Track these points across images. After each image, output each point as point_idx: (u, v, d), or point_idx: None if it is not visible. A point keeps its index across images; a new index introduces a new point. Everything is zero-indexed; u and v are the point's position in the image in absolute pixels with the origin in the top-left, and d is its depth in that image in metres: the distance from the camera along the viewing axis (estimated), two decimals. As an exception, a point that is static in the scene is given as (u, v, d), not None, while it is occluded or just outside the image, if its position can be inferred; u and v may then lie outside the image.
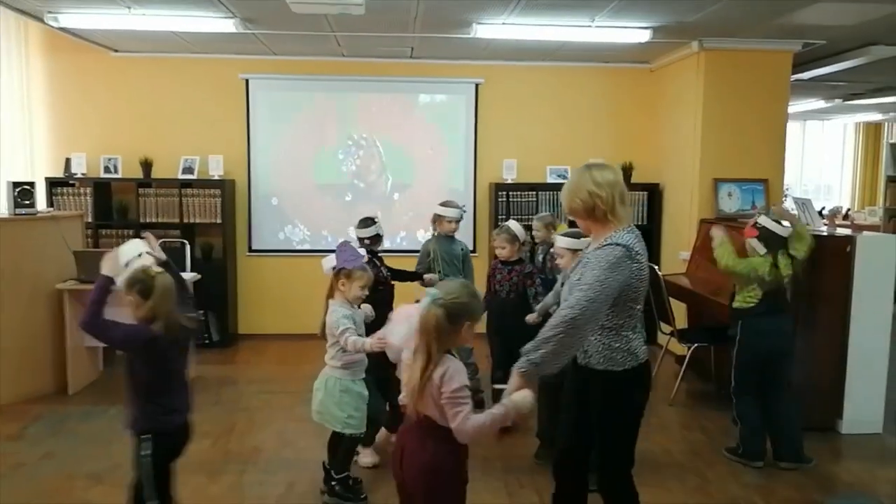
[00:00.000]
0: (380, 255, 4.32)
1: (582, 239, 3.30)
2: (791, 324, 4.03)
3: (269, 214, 6.62)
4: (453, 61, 6.55)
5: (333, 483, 3.41)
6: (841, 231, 4.74)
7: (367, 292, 3.44)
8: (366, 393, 3.42)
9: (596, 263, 2.40)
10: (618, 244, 2.41)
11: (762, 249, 3.86)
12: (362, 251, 3.65)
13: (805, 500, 3.54)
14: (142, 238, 3.02)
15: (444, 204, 4.76)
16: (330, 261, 3.42)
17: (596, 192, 2.48)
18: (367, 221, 4.28)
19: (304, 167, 6.60)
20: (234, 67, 6.42)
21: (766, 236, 3.88)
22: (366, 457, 3.83)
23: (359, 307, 3.46)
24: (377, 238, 4.26)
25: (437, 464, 2.21)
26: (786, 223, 3.92)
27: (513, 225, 4.47)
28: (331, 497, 3.42)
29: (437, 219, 4.74)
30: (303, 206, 6.63)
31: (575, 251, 3.41)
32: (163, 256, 2.94)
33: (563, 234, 3.62)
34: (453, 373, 2.15)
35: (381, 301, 3.83)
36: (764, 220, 3.91)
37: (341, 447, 3.40)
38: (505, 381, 2.31)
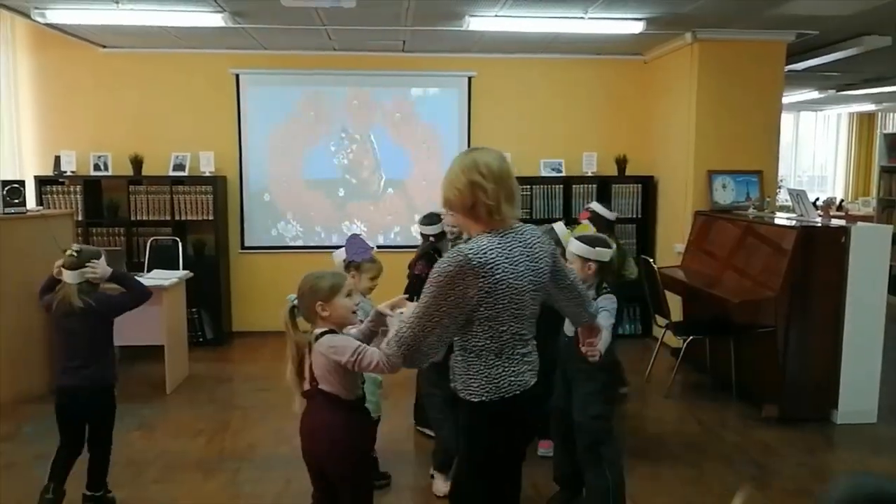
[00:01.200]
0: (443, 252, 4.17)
1: (598, 249, 3.03)
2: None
3: (261, 211, 6.58)
4: (446, 54, 6.51)
5: None
6: (835, 222, 4.74)
7: (376, 283, 3.41)
8: (380, 378, 3.35)
9: (431, 279, 1.98)
10: (460, 252, 1.97)
11: (593, 228, 4.10)
12: (370, 243, 3.61)
13: (800, 490, 3.54)
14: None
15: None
16: (341, 254, 3.42)
17: (480, 182, 2.04)
18: (433, 217, 4.19)
19: (296, 163, 6.56)
20: (224, 62, 6.37)
21: (595, 219, 4.34)
22: (442, 485, 3.45)
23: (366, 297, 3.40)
24: (443, 235, 4.17)
25: (341, 434, 2.34)
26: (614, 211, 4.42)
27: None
28: None
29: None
30: (295, 202, 6.59)
31: (586, 260, 3.04)
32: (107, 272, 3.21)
33: (577, 237, 3.14)
34: (339, 343, 2.29)
35: None
36: (595, 206, 4.56)
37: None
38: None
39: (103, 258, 3.21)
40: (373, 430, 3.28)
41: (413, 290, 3.81)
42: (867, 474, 1.31)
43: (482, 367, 2.04)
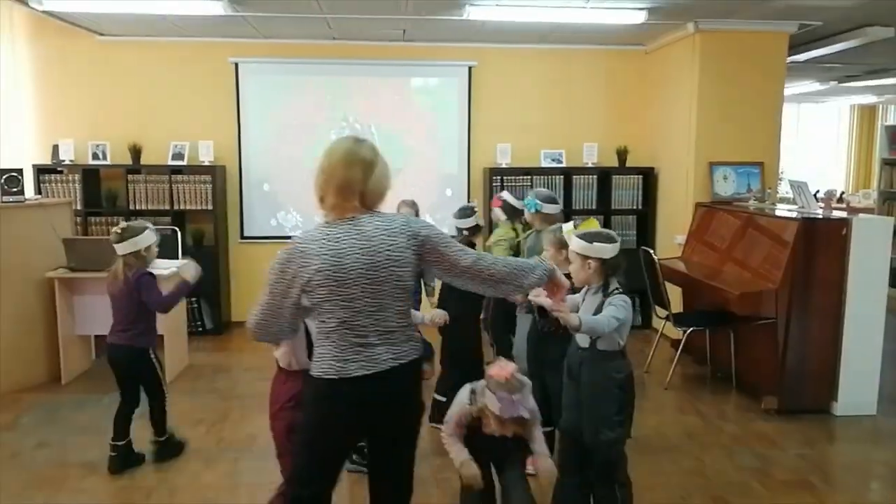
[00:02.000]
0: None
1: (596, 244, 2.77)
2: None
3: (260, 200, 6.56)
4: (446, 44, 6.48)
5: (353, 454, 3.54)
6: (837, 214, 4.72)
7: None
8: None
9: (271, 263, 2.13)
10: (294, 239, 2.13)
11: (503, 216, 4.48)
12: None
13: (800, 482, 3.55)
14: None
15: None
16: None
17: (317, 172, 2.17)
18: (467, 211, 4.22)
19: (295, 152, 6.52)
20: (224, 51, 6.33)
21: (505, 208, 4.53)
22: None
23: None
24: (477, 229, 4.24)
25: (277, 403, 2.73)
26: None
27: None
28: (350, 463, 3.51)
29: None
30: (295, 191, 6.57)
31: (585, 258, 2.81)
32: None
33: (578, 234, 2.94)
34: None
35: (467, 298, 3.82)
36: (505, 195, 4.67)
37: None
38: None
39: (148, 233, 3.62)
40: None
41: (445, 287, 3.86)
42: None
43: (316, 346, 2.18)
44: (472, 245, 4.13)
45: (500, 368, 2.43)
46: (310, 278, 2.03)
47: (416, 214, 4.72)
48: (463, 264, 2.20)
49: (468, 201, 6.67)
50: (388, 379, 2.12)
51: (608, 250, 2.77)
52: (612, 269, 2.80)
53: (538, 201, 3.98)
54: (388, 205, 2.37)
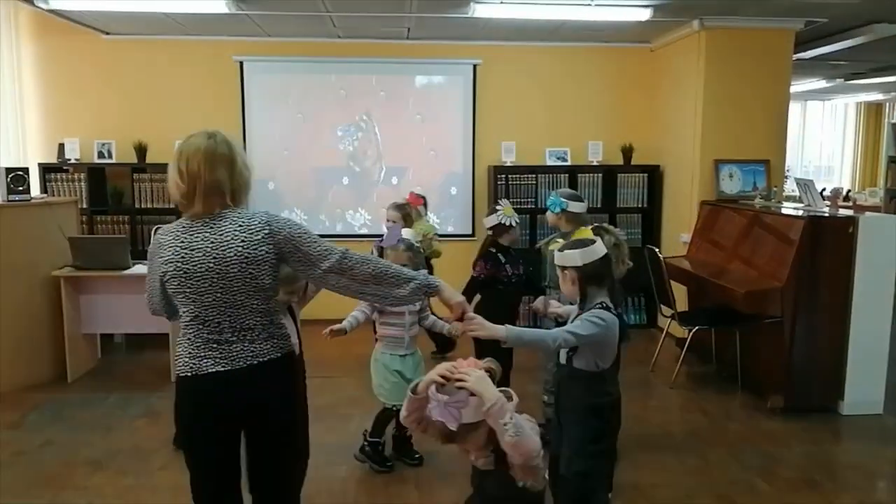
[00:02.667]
0: (511, 250, 3.98)
1: (565, 252, 2.57)
2: None
3: (265, 199, 6.56)
4: (451, 42, 6.47)
5: (365, 444, 3.64)
6: (843, 212, 4.71)
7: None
8: (395, 367, 3.50)
9: None
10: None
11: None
12: (405, 231, 3.85)
13: (806, 481, 3.53)
14: None
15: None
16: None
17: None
18: (492, 208, 4.02)
19: (299, 151, 6.54)
20: (228, 49, 6.33)
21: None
22: None
23: None
24: (501, 228, 3.91)
25: None
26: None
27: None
28: (360, 453, 3.64)
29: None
30: (299, 190, 6.58)
31: (563, 268, 2.62)
32: None
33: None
34: None
35: (493, 298, 3.84)
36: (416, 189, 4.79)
37: (379, 414, 3.63)
38: None
39: None
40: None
41: (468, 292, 3.80)
42: None
43: (177, 345, 2.18)
44: (501, 249, 3.93)
45: (462, 362, 1.80)
46: (164, 269, 2.08)
47: (406, 217, 4.59)
48: (324, 265, 2.11)
49: (473, 200, 6.68)
50: (246, 377, 2.08)
51: (576, 257, 2.50)
52: (591, 278, 2.50)
53: (563, 199, 3.71)
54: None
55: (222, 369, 2.07)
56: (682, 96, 6.01)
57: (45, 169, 6.06)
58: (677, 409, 4.59)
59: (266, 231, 2.09)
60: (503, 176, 6.40)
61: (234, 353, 2.08)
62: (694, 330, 4.95)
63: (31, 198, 4.98)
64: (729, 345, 4.97)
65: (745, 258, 4.87)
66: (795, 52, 5.84)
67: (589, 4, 5.04)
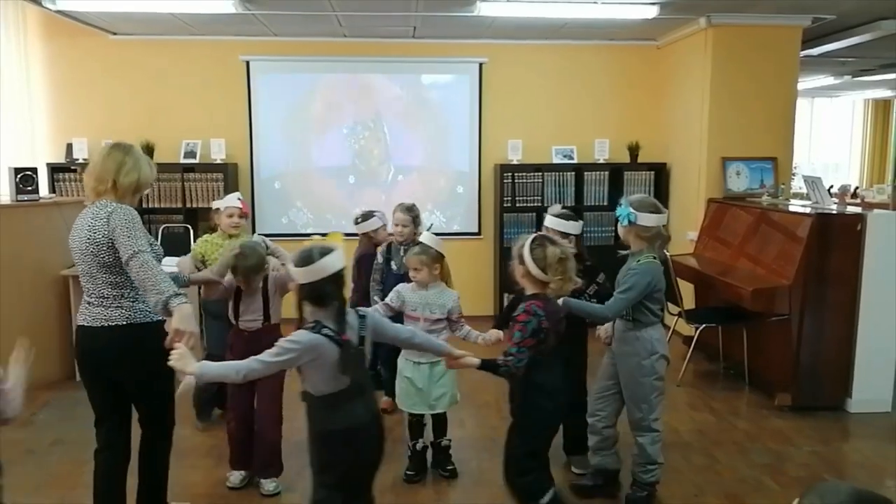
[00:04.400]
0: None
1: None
2: None
3: (272, 198, 6.59)
4: (457, 40, 6.47)
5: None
6: (851, 209, 4.68)
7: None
8: (407, 373, 3.48)
9: None
10: None
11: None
12: (425, 236, 3.58)
13: (814, 479, 3.52)
14: None
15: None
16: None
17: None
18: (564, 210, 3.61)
19: (306, 150, 6.55)
20: (235, 49, 6.35)
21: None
22: None
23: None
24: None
25: None
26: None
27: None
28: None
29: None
30: (306, 189, 6.59)
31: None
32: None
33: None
34: None
35: None
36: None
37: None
38: None
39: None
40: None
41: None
42: (837, 483, 1.31)
43: None
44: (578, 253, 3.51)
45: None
46: None
47: (415, 219, 4.17)
48: (124, 256, 2.51)
49: (479, 198, 6.67)
50: (100, 335, 2.62)
51: (298, 274, 2.27)
52: (309, 297, 2.29)
53: (632, 210, 3.04)
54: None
55: (86, 324, 2.66)
56: (689, 94, 5.99)
57: (54, 169, 6.09)
58: (684, 407, 4.58)
59: (105, 220, 2.55)
60: (509, 174, 6.40)
61: (94, 314, 2.65)
62: (701, 328, 4.94)
63: (40, 197, 5.01)
64: (736, 343, 4.96)
65: (753, 256, 4.86)
66: (803, 49, 5.82)
67: (595, 2, 5.03)
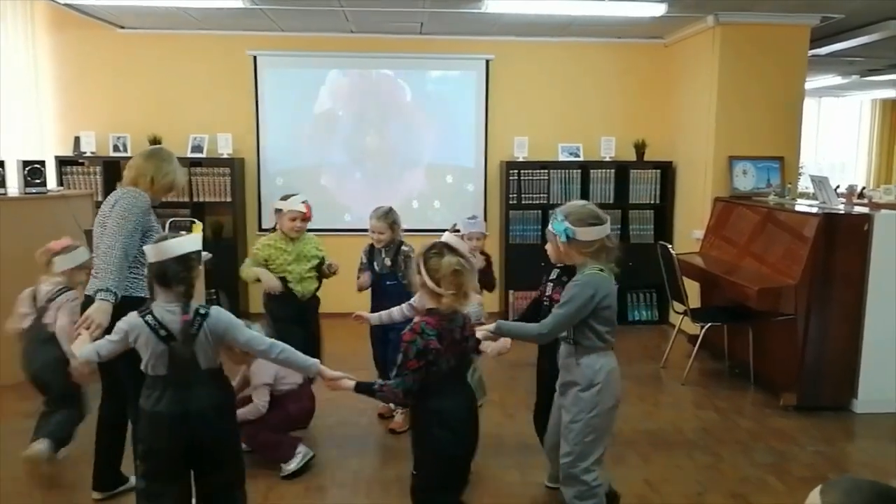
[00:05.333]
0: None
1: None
2: None
3: (278, 193, 6.56)
4: (464, 37, 6.46)
5: None
6: (858, 209, 4.67)
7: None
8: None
9: None
10: None
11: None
12: (446, 235, 3.38)
13: (818, 479, 3.51)
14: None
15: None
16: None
17: None
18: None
19: (312, 145, 6.56)
20: (242, 44, 6.36)
21: None
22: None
23: None
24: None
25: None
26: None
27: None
28: None
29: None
30: (312, 184, 6.59)
31: None
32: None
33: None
34: None
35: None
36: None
37: None
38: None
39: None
40: None
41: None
42: (856, 478, 1.30)
43: None
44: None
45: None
46: None
47: (392, 225, 4.01)
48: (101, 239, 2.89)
49: (485, 195, 6.67)
50: (90, 303, 2.74)
51: (148, 251, 2.37)
52: (156, 277, 2.35)
53: (569, 224, 2.69)
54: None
55: (87, 293, 2.90)
56: (696, 92, 5.98)
57: (62, 162, 6.12)
58: (689, 405, 4.58)
59: (112, 204, 2.92)
60: (515, 171, 6.40)
61: (92, 284, 2.90)
62: (706, 327, 4.94)
63: (48, 190, 5.03)
64: (741, 342, 4.96)
65: (759, 255, 4.85)
66: (811, 48, 5.80)
67: (603, 0, 5.02)
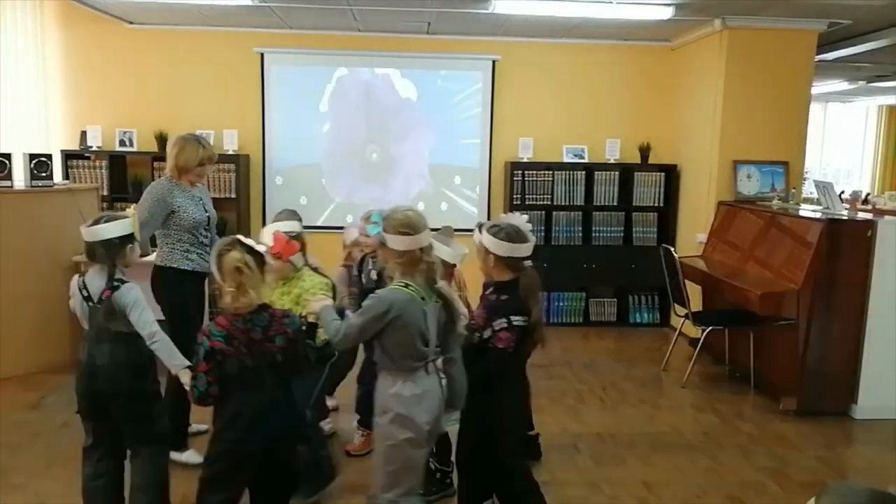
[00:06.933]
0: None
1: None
2: None
3: (277, 192, 6.60)
4: (471, 37, 6.47)
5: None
6: (862, 215, 4.67)
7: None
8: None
9: None
10: None
11: None
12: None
13: (817, 484, 3.52)
14: None
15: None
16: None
17: None
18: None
19: (317, 142, 6.57)
20: (249, 41, 6.38)
21: None
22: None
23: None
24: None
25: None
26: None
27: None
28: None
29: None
30: (316, 181, 6.61)
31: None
32: None
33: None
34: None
35: None
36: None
37: None
38: None
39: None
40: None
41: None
42: (853, 483, 1.30)
43: None
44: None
45: None
46: None
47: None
48: None
49: (489, 195, 6.67)
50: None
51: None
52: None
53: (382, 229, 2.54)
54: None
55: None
56: (702, 96, 5.98)
57: (68, 156, 6.14)
58: (689, 408, 4.59)
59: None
60: (519, 172, 6.41)
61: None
62: (708, 330, 4.94)
63: (54, 184, 5.05)
64: (742, 346, 4.96)
65: (761, 260, 4.86)
66: (818, 54, 5.80)
67: (610, 2, 5.03)
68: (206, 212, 3.70)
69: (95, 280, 2.72)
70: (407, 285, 2.38)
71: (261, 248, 2.43)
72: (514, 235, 2.67)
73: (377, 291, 2.47)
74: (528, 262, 2.72)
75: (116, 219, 2.77)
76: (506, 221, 2.71)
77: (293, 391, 2.54)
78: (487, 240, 2.66)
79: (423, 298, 2.38)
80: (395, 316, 2.32)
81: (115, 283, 2.68)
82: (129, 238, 2.77)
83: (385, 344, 2.38)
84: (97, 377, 2.67)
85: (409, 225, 2.41)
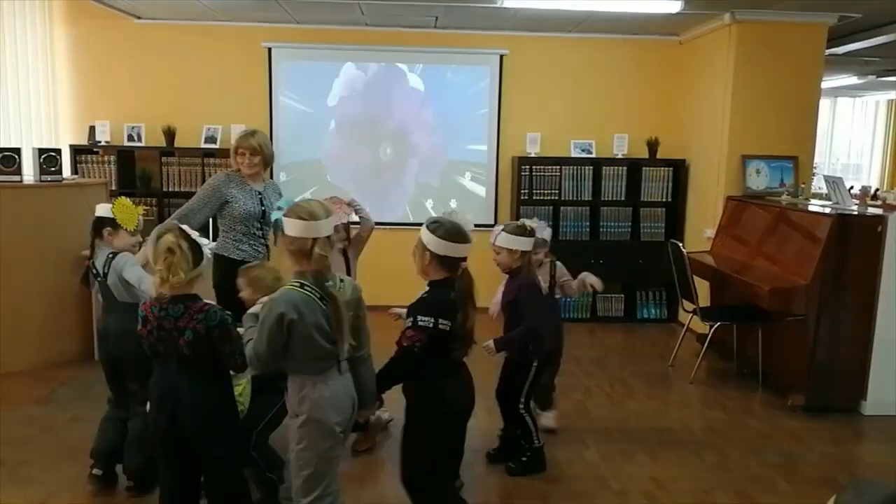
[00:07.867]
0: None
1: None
2: None
3: (288, 186, 6.61)
4: (478, 31, 6.45)
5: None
6: (872, 210, 4.64)
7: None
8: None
9: None
10: None
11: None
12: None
13: (826, 480, 3.52)
14: None
15: None
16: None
17: None
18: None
19: (325, 138, 6.57)
20: (257, 35, 6.38)
21: None
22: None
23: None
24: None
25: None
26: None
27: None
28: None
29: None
30: (323, 176, 6.61)
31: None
32: None
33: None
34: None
35: None
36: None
37: None
38: None
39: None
40: None
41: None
42: (875, 481, 1.29)
43: None
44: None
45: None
46: None
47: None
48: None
49: (496, 190, 6.66)
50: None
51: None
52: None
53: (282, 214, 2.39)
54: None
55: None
56: (711, 90, 5.95)
57: (76, 150, 6.17)
58: (697, 404, 4.58)
59: None
60: (527, 167, 6.40)
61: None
62: (716, 326, 4.93)
63: (63, 178, 5.07)
64: (750, 341, 4.94)
65: (770, 255, 4.84)
66: (828, 48, 5.75)
67: (619, -4, 5.00)
68: (263, 206, 3.77)
69: (102, 254, 3.17)
70: (302, 285, 2.26)
71: (203, 242, 2.42)
72: (453, 234, 2.51)
73: (269, 296, 2.34)
74: (465, 264, 2.58)
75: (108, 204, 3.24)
76: (448, 219, 2.56)
77: (218, 388, 2.48)
78: (426, 236, 2.52)
79: (321, 298, 2.26)
80: (290, 320, 2.20)
81: (110, 255, 3.14)
82: (108, 221, 3.15)
83: (295, 351, 2.26)
84: (109, 343, 3.10)
85: (310, 213, 2.28)
